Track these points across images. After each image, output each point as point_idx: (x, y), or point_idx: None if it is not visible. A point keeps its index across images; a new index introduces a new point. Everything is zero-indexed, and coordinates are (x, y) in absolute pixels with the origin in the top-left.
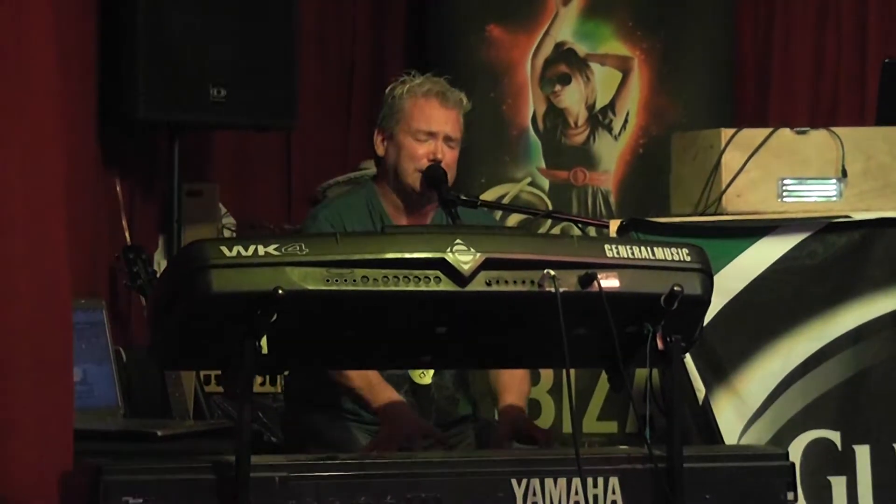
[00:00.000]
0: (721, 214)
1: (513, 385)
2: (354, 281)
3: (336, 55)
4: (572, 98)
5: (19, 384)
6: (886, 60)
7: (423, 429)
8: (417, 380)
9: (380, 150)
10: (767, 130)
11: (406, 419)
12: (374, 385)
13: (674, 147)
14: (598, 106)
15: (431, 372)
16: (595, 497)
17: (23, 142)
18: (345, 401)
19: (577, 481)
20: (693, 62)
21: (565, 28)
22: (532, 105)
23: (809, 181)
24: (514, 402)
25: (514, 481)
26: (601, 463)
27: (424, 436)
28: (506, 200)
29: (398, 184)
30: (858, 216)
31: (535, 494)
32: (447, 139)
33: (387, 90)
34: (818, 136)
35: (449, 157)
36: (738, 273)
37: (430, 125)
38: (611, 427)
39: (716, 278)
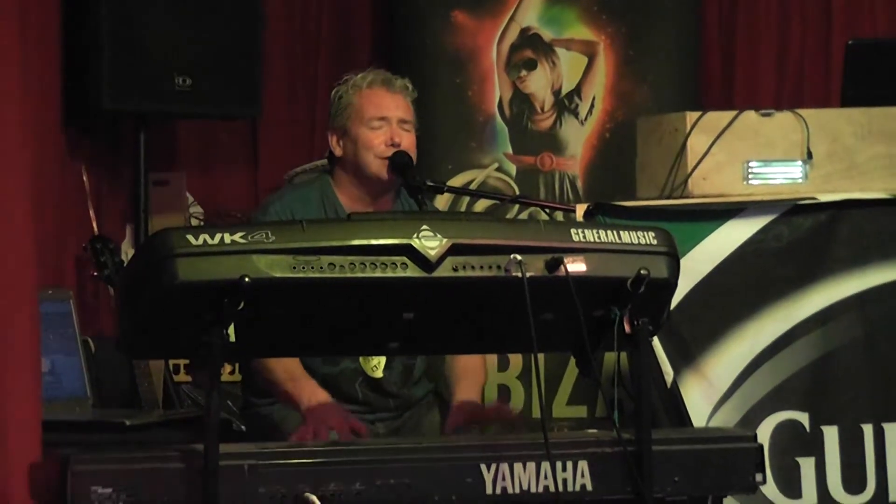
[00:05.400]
0: (687, 198)
1: (466, 377)
2: (321, 268)
3: (301, 42)
4: (538, 83)
5: None
6: (850, 42)
7: (349, 424)
8: (370, 373)
9: (337, 151)
10: (732, 113)
11: (330, 415)
12: (297, 379)
13: (639, 131)
14: (565, 91)
15: (382, 366)
16: (564, 481)
17: None
18: None
19: (546, 465)
20: (658, 46)
21: (530, 13)
22: (498, 91)
23: (775, 163)
24: (466, 397)
25: (483, 466)
26: (570, 447)
27: (351, 430)
28: (473, 186)
29: (361, 176)
30: (824, 198)
31: (504, 479)
32: (401, 122)
33: (332, 94)
34: (783, 119)
35: (407, 140)
36: (705, 256)
37: (381, 111)
38: (580, 411)
39: (682, 261)
